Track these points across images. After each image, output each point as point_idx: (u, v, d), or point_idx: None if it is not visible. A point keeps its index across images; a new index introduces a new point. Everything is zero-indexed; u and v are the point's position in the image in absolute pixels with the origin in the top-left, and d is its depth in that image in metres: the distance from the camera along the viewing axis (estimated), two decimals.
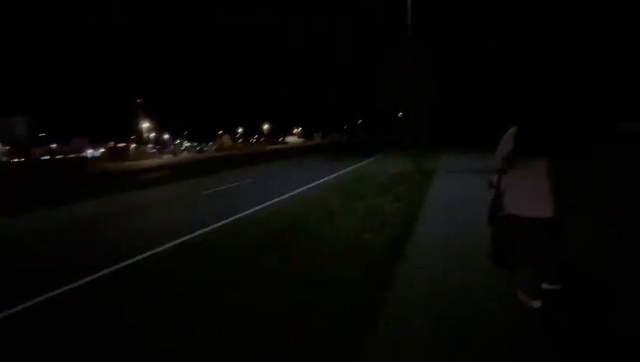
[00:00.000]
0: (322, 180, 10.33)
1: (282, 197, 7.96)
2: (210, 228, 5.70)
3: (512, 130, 2.39)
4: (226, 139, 63.42)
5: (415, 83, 14.62)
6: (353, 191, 7.46)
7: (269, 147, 56.71)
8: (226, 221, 6.09)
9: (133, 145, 53.84)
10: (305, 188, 9.12)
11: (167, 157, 50.03)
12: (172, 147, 67.43)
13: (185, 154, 59.54)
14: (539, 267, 2.30)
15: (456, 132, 24.28)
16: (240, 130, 79.53)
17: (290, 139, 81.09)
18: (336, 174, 11.63)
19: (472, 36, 26.20)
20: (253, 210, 6.88)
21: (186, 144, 79.11)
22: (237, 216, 6.38)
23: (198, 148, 73.61)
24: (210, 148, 66.44)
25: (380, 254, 3.68)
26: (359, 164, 14.69)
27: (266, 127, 73.96)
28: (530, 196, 2.23)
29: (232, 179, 12.83)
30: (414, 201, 6.14)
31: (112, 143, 54.26)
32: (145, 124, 53.19)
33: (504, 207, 2.46)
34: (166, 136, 70.10)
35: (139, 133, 53.46)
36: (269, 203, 7.43)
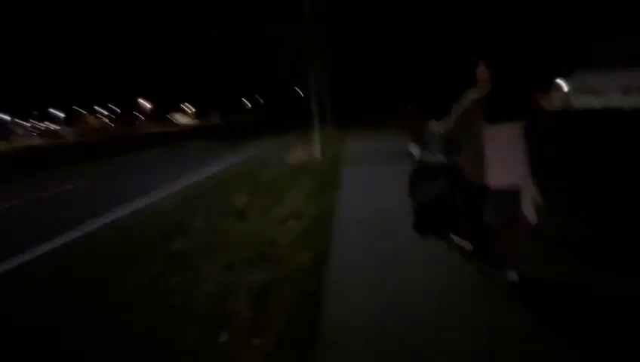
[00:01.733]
0: (196, 179, 7.30)
1: (107, 221, 4.77)
2: None
3: (469, 97, 2.11)
4: (92, 121, 50.68)
5: (313, 53, 12.52)
6: (231, 200, 4.83)
7: (151, 129, 47.65)
8: None
9: None
10: (164, 195, 6.02)
11: None
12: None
13: (28, 141, 45.41)
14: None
15: (365, 106, 23.45)
16: (116, 108, 65.20)
17: (182, 118, 70.72)
18: (218, 168, 8.68)
19: None
20: (18, 262, 3.59)
21: (38, 126, 61.00)
22: None
23: (52, 131, 57.51)
24: (72, 132, 52.55)
25: None
26: (253, 151, 11.95)
27: (147, 105, 62.02)
28: (510, 165, 1.97)
29: (52, 183, 8.53)
30: (320, 217, 3.91)
31: None
32: None
33: (468, 178, 2.16)
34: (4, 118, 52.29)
35: None
36: (71, 238, 4.20)
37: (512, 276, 2.11)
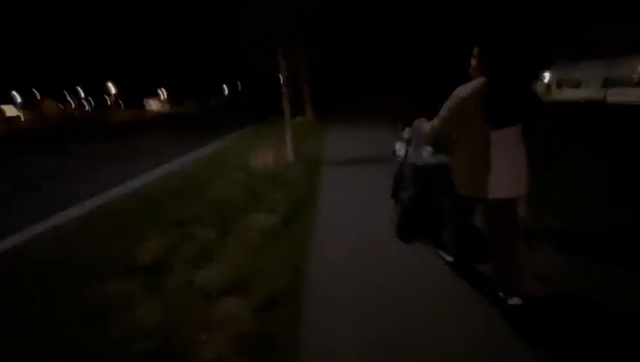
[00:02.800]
0: (122, 191, 5.40)
1: None
2: None
3: (461, 93, 1.70)
4: (50, 105, 45.88)
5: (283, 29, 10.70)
6: (148, 242, 3.06)
7: (116, 117, 43.70)
8: None
9: None
10: (59, 221, 4.13)
11: None
12: None
13: None
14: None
15: (351, 93, 21.59)
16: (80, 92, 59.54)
17: (154, 104, 65.96)
18: (158, 174, 6.77)
19: None
20: None
21: None
22: None
23: (7, 116, 52.06)
24: (29, 117, 47.54)
25: None
26: (213, 146, 9.99)
27: (113, 89, 56.93)
28: (513, 172, 1.70)
29: None
30: (281, 290, 2.23)
31: None
32: None
33: (458, 188, 1.85)
34: None
35: None
36: None
37: (515, 301, 1.77)
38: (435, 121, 1.88)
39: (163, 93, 70.84)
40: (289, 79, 7.36)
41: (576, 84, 30.60)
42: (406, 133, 2.68)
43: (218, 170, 5.92)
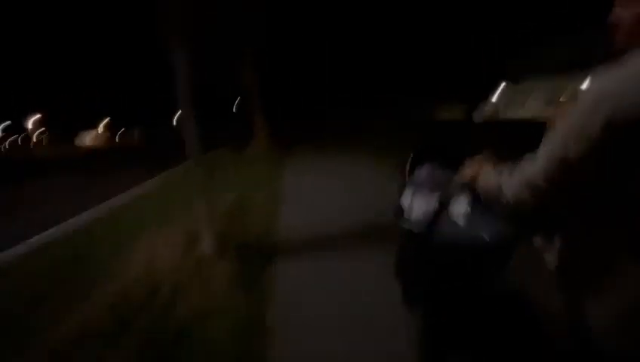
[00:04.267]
0: None
1: None
2: None
3: (614, 86, 0.62)
4: None
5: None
6: None
7: (39, 152, 37.22)
8: None
9: None
10: None
11: None
12: None
13: None
14: None
15: (320, 110, 19.00)
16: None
17: (87, 139, 58.12)
18: None
19: None
20: None
21: None
22: None
23: None
24: None
25: None
26: (108, 206, 6.83)
27: (32, 119, 48.87)
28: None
29: None
30: None
31: None
32: None
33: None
34: None
35: None
36: None
37: None
38: (531, 167, 0.76)
39: (101, 126, 63.68)
40: (218, 88, 4.74)
41: (522, 104, 27.72)
42: (421, 175, 1.42)
43: (62, 281, 3.02)
